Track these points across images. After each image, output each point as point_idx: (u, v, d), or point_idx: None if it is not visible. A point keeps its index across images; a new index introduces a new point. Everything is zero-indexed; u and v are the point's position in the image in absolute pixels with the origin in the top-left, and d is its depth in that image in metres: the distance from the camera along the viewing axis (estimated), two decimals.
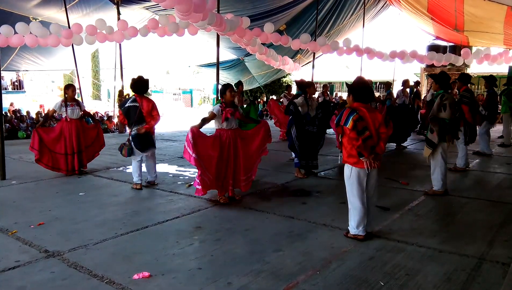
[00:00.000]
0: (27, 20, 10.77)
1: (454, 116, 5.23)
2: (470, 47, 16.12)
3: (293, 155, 6.52)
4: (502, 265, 3.22)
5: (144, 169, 5.96)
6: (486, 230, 4.05)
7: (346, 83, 4.30)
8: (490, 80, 8.42)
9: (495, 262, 3.30)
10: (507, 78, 9.96)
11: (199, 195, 4.94)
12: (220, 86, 5.70)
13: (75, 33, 9.29)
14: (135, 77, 5.72)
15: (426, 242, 3.72)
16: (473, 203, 5.10)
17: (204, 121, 4.89)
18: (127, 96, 14.14)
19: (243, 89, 9.09)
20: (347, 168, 3.75)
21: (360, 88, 3.68)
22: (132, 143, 5.66)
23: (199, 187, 4.83)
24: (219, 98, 5.07)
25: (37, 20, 11.90)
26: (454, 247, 3.61)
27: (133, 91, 5.70)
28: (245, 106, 9.29)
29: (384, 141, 3.70)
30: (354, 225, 3.79)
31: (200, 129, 4.79)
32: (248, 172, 5.14)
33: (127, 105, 5.65)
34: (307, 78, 11.54)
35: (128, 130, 6.12)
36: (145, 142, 5.68)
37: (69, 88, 6.73)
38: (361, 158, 3.58)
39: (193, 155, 4.67)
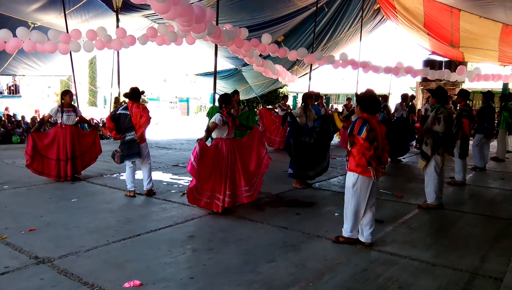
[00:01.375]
0: (26, 25, 10.78)
1: (449, 130, 5.28)
2: (465, 63, 16.34)
3: (289, 167, 6.48)
4: (495, 280, 3.22)
5: (140, 176, 5.94)
6: (479, 245, 4.06)
7: (356, 94, 4.38)
8: (487, 95, 8.64)
9: (488, 277, 3.29)
10: (501, 95, 10.09)
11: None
12: (218, 96, 5.73)
13: (74, 38, 9.29)
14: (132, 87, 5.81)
15: (420, 255, 3.72)
16: (467, 217, 5.11)
17: (209, 132, 4.91)
18: (123, 103, 14.15)
19: (239, 99, 9.11)
20: (353, 177, 3.81)
21: (369, 100, 3.81)
22: (123, 149, 5.67)
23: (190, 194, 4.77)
24: (222, 107, 5.05)
25: (36, 25, 11.91)
26: (447, 261, 3.60)
27: (125, 97, 5.80)
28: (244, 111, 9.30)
29: (388, 152, 3.86)
30: (348, 229, 3.90)
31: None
32: (249, 182, 5.06)
33: (118, 112, 5.71)
34: (304, 89, 11.60)
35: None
36: (130, 150, 5.66)
37: (66, 94, 6.70)
38: (369, 167, 3.68)
39: (195, 165, 4.65)
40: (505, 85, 16.99)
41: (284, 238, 4.14)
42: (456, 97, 7.31)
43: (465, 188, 6.87)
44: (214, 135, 5.07)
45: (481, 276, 3.31)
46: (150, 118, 5.71)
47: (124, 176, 6.71)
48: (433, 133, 5.20)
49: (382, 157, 3.82)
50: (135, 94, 5.71)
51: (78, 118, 6.75)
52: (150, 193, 5.82)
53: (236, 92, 9.13)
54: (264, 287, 3.03)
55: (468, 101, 7.00)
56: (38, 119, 15.05)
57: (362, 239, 3.92)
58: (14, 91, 21.58)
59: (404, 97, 9.91)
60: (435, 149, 5.21)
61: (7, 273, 3.15)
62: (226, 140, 4.96)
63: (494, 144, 10.54)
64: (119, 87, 13.14)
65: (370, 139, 3.63)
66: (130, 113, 5.63)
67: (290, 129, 6.31)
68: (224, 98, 5.09)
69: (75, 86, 11.27)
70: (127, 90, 5.76)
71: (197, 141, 4.75)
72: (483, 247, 3.99)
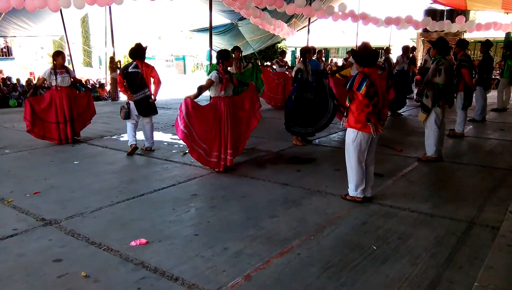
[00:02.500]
0: None
1: (449, 82, 5.23)
2: (467, 11, 15.86)
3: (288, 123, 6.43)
4: (492, 229, 3.30)
5: (141, 136, 6.02)
6: (477, 195, 4.13)
7: (352, 49, 4.26)
8: (486, 44, 8.36)
9: (485, 226, 3.38)
10: (506, 43, 9.75)
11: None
12: (215, 52, 5.60)
13: None
14: (133, 45, 5.86)
15: (418, 207, 3.80)
16: (465, 169, 5.17)
17: (201, 89, 4.79)
18: (118, 63, 13.92)
19: (240, 55, 8.84)
20: (352, 133, 3.79)
21: (366, 53, 3.72)
22: (136, 108, 5.78)
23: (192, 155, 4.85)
24: (219, 63, 4.91)
25: None
26: (445, 212, 3.68)
27: (131, 58, 5.84)
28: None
29: (387, 107, 3.82)
30: (353, 188, 3.91)
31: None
32: (236, 141, 5.06)
33: (129, 70, 5.76)
34: (303, 43, 11.36)
35: (121, 97, 6.11)
36: (147, 108, 5.85)
37: (59, 56, 6.52)
38: (368, 123, 3.65)
39: (182, 128, 4.62)
40: (508, 34, 16.62)
41: (285, 194, 4.20)
42: (454, 47, 7.17)
43: (464, 139, 6.90)
44: (212, 93, 5.00)
45: (478, 225, 3.40)
46: (160, 80, 5.95)
47: (124, 137, 6.79)
48: (434, 85, 5.14)
49: (382, 112, 3.78)
50: (140, 52, 5.80)
51: (72, 79, 6.63)
52: (150, 150, 6.06)
53: (236, 48, 8.87)
54: (267, 241, 3.11)
55: (467, 51, 6.86)
56: (34, 82, 14.86)
57: (367, 194, 3.96)
58: (6, 53, 21.11)
59: (405, 49, 9.73)
60: (435, 101, 5.19)
61: (15, 235, 3.22)
62: (225, 98, 4.90)
63: (494, 94, 10.48)
64: (113, 46, 12.87)
65: (370, 94, 3.57)
66: (141, 72, 5.72)
67: (297, 85, 6.18)
68: (222, 54, 4.97)
69: (68, 47, 11.03)
70: (132, 48, 5.81)
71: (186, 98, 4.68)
72: (481, 197, 4.06)
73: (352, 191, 3.94)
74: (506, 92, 9.87)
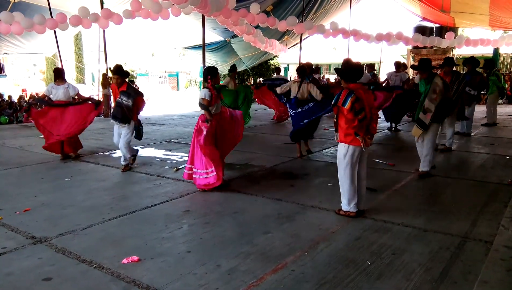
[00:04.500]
0: (5, 1, 10.38)
1: (447, 97, 5.27)
2: (456, 28, 16.18)
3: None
4: (485, 243, 3.30)
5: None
6: (470, 210, 4.14)
7: (335, 68, 4.41)
8: (473, 61, 8.29)
9: (478, 241, 3.38)
10: (484, 63, 9.87)
11: (216, 185, 4.75)
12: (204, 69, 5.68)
13: (60, 22, 9.01)
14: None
15: (412, 222, 3.79)
16: (458, 183, 5.20)
17: (209, 110, 4.81)
18: (110, 79, 13.91)
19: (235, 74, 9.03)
20: (343, 147, 3.85)
21: (350, 69, 3.78)
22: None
23: (216, 181, 4.74)
24: (207, 79, 4.95)
25: (16, 1, 11.49)
26: (439, 227, 3.69)
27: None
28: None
29: (376, 121, 3.87)
30: (346, 203, 3.91)
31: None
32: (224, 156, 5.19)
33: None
34: (295, 60, 11.46)
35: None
36: (116, 113, 5.86)
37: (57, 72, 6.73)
38: (357, 137, 3.71)
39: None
40: (496, 50, 16.96)
41: (279, 209, 4.19)
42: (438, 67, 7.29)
43: (456, 154, 6.96)
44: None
45: (472, 240, 3.40)
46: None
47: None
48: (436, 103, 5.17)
49: (370, 126, 3.82)
50: (122, 72, 5.76)
51: (76, 96, 6.66)
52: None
53: (235, 67, 9.09)
54: (261, 258, 3.08)
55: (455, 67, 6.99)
56: (26, 99, 14.80)
57: (360, 206, 3.98)
58: None
59: (398, 65, 9.86)
60: (435, 118, 5.22)
61: (4, 254, 3.16)
62: (216, 115, 4.94)
63: (483, 109, 10.66)
64: (106, 63, 12.89)
65: (356, 110, 3.63)
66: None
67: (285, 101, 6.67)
68: (210, 70, 5.03)
69: (61, 64, 11.01)
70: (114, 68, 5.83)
71: (207, 122, 4.73)
72: (474, 212, 4.07)
73: (345, 205, 3.93)
74: (494, 107, 10.10)
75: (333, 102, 3.81)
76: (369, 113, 3.79)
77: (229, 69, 9.15)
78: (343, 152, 3.85)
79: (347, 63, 3.88)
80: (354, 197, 3.88)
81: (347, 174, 3.85)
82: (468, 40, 12.92)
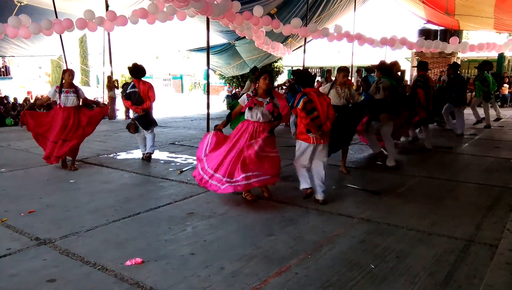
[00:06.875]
0: (12, 3, 10.49)
1: (392, 98, 5.81)
2: (460, 31, 16.14)
3: None
4: (490, 247, 3.28)
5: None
6: (474, 213, 4.12)
7: (293, 72, 4.55)
8: (454, 66, 9.24)
9: (483, 244, 3.36)
10: (479, 64, 10.41)
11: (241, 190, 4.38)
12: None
13: (67, 28, 9.08)
14: (131, 65, 6.42)
15: (416, 225, 3.78)
16: (462, 187, 5.18)
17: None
18: (115, 82, 14.01)
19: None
20: (298, 143, 4.43)
21: (304, 77, 4.45)
22: (137, 122, 6.45)
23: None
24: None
25: (22, 4, 11.59)
26: (443, 230, 3.67)
27: (131, 76, 6.38)
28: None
29: (331, 121, 4.33)
30: (301, 184, 4.58)
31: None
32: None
33: (127, 91, 6.35)
34: (299, 62, 11.46)
35: (118, 115, 6.32)
36: (148, 122, 6.50)
37: (65, 73, 6.17)
38: (309, 134, 4.24)
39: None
40: (500, 54, 16.89)
41: (282, 212, 4.18)
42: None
43: (459, 157, 6.94)
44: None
45: (477, 243, 3.38)
46: (155, 97, 6.58)
47: (120, 156, 6.90)
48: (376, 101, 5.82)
49: (324, 125, 4.25)
50: (138, 72, 6.31)
51: (82, 100, 6.27)
52: (149, 158, 6.62)
53: (256, 69, 9.21)
54: (264, 260, 3.08)
55: (429, 72, 7.53)
56: (31, 101, 14.88)
57: (318, 197, 4.42)
58: (4, 72, 21.21)
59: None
60: (375, 116, 5.88)
61: (9, 255, 3.17)
62: (255, 123, 4.43)
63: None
64: (111, 65, 12.98)
65: (308, 109, 4.16)
66: (138, 90, 6.28)
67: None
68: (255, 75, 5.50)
69: (66, 66, 11.10)
70: (129, 69, 6.42)
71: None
72: (479, 215, 4.05)
73: (300, 185, 4.59)
74: (485, 109, 10.52)
75: (290, 104, 4.47)
76: (323, 113, 4.23)
77: (250, 72, 9.17)
78: (297, 147, 4.43)
79: (302, 71, 4.75)
80: (307, 180, 4.51)
81: (298, 163, 4.48)
82: (472, 45, 12.89)
